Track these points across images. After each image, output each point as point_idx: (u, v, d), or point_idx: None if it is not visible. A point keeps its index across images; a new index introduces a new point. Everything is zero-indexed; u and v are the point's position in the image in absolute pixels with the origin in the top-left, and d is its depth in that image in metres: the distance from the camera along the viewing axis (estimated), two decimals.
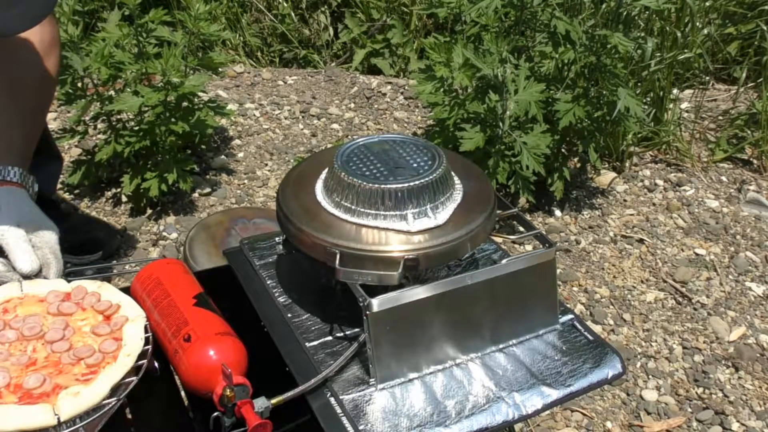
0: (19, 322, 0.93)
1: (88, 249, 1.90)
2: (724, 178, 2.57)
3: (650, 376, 1.79)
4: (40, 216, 1.13)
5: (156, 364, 0.94)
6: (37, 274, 1.04)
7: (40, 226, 1.09)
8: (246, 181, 2.40)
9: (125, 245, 2.03)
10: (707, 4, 2.85)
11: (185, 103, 2.13)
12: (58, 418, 0.80)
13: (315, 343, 0.97)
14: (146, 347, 0.92)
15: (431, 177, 0.94)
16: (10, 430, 0.79)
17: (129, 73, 2.09)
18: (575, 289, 2.05)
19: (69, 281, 1.03)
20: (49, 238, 1.09)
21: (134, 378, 0.88)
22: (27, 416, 0.80)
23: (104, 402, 0.84)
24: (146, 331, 0.94)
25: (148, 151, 2.14)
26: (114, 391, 0.86)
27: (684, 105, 2.89)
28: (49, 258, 1.07)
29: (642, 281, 2.09)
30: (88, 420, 0.82)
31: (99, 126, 2.19)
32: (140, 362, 0.90)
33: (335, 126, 2.77)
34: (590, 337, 1.02)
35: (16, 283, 1.00)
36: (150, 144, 2.09)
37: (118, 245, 2.02)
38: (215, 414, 0.89)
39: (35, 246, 1.06)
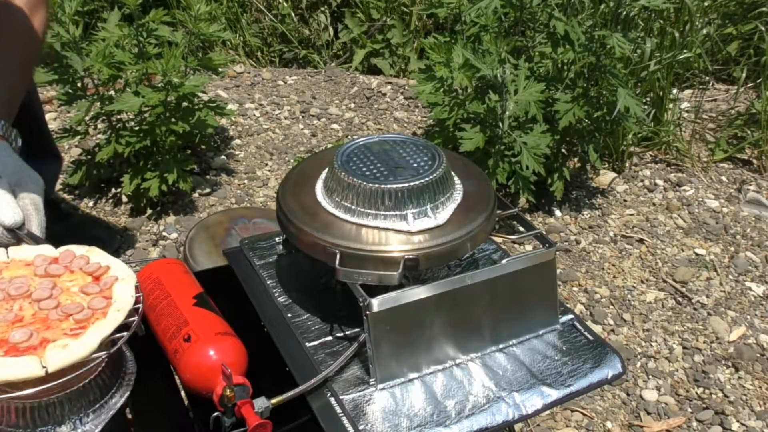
0: (5, 283, 0.91)
1: None
2: (724, 178, 2.57)
3: (650, 376, 1.79)
4: (23, 167, 1.09)
5: (141, 326, 0.92)
6: (20, 228, 1.01)
7: (22, 178, 1.05)
8: (246, 181, 2.40)
9: (125, 245, 2.03)
10: (706, 4, 2.85)
11: (185, 103, 2.14)
12: (46, 370, 0.78)
13: (315, 343, 0.97)
14: (137, 305, 0.89)
15: (431, 177, 0.94)
16: None
17: (129, 73, 2.09)
18: (575, 289, 2.05)
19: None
20: (33, 188, 1.05)
21: (125, 333, 0.85)
22: (12, 367, 0.77)
23: (93, 356, 0.81)
24: (137, 291, 0.91)
25: (148, 151, 2.14)
26: (103, 346, 0.83)
27: (684, 105, 2.89)
28: (30, 211, 1.03)
29: (642, 281, 2.09)
30: (77, 373, 0.80)
31: (99, 126, 2.19)
32: (131, 319, 0.87)
33: (335, 126, 2.77)
34: (590, 337, 1.02)
35: (1, 249, 0.97)
36: (150, 144, 2.09)
37: (118, 245, 2.02)
38: (215, 414, 0.89)
39: (17, 197, 1.02)
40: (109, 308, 0.87)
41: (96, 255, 0.97)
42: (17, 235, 1.01)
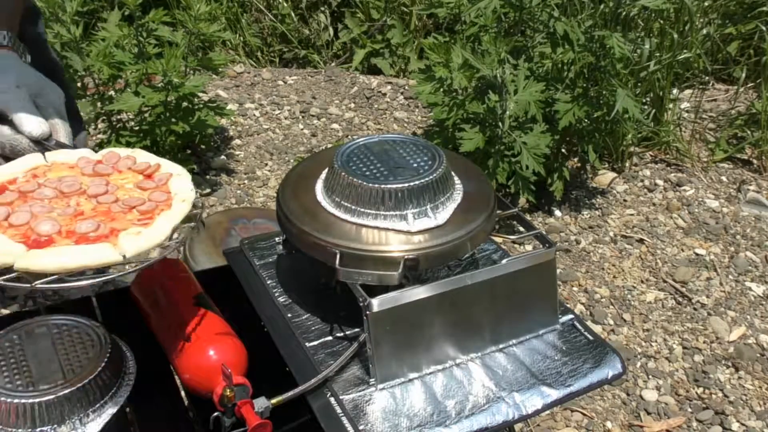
0: (54, 182, 0.86)
1: None
2: (724, 178, 2.57)
3: (650, 376, 1.79)
4: (41, 78, 1.03)
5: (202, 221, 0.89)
6: (47, 139, 0.96)
7: (43, 88, 1.00)
8: (246, 181, 2.40)
9: None
10: (706, 4, 2.85)
11: (185, 104, 2.14)
12: (124, 256, 0.75)
13: (315, 343, 0.97)
14: (198, 198, 0.86)
15: (431, 177, 0.94)
16: (73, 267, 0.73)
17: (129, 73, 2.09)
18: (575, 289, 2.05)
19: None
20: (54, 99, 1.00)
21: (193, 223, 0.82)
22: (90, 253, 0.74)
23: (165, 243, 0.78)
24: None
25: (148, 151, 2.14)
26: (173, 235, 0.79)
27: (684, 105, 2.89)
28: (56, 121, 0.98)
29: (642, 281, 2.09)
30: (150, 262, 0.78)
31: (99, 126, 2.19)
32: (195, 211, 0.84)
33: (335, 126, 2.77)
34: (590, 337, 1.02)
35: (37, 154, 0.91)
36: (150, 144, 2.09)
37: None
38: (215, 414, 0.89)
39: (40, 108, 0.97)
40: (173, 200, 0.84)
41: (142, 155, 0.93)
42: (45, 146, 0.96)
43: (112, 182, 0.89)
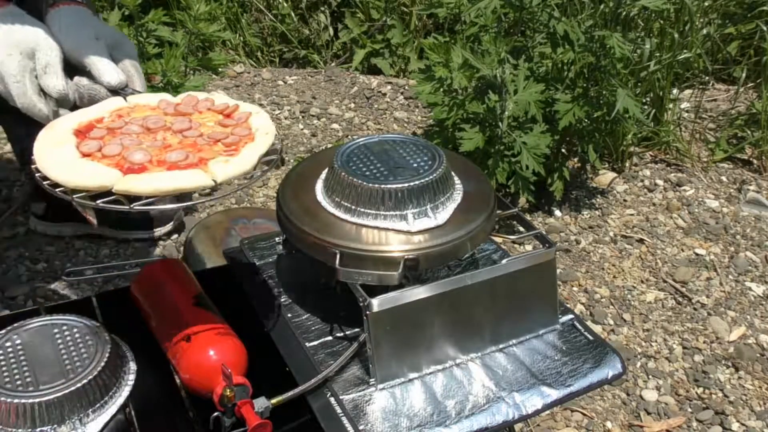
0: (139, 120, 0.90)
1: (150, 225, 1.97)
2: (724, 178, 2.58)
3: (650, 376, 1.79)
4: (115, 30, 1.09)
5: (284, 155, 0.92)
6: (124, 89, 1.01)
7: (118, 41, 1.05)
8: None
9: (125, 245, 2.02)
10: (706, 4, 2.85)
11: None
12: (215, 181, 0.79)
13: (315, 343, 0.97)
14: (278, 134, 0.90)
15: (431, 177, 0.94)
16: (168, 190, 0.78)
17: None
18: (575, 289, 2.05)
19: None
20: (129, 51, 1.05)
21: (276, 156, 0.86)
22: (184, 178, 0.79)
23: (251, 173, 0.83)
24: None
25: None
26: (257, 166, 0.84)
27: (684, 105, 2.89)
28: (131, 71, 1.03)
29: (642, 281, 2.09)
30: (237, 190, 0.81)
31: None
32: (276, 145, 0.88)
33: (335, 126, 2.77)
34: (590, 337, 1.02)
35: (119, 98, 0.97)
36: None
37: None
38: (215, 414, 0.89)
39: (116, 60, 1.02)
40: (256, 133, 0.88)
41: (220, 98, 0.97)
42: (122, 96, 1.01)
43: (195, 120, 0.93)
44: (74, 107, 0.99)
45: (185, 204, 0.78)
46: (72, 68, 1.00)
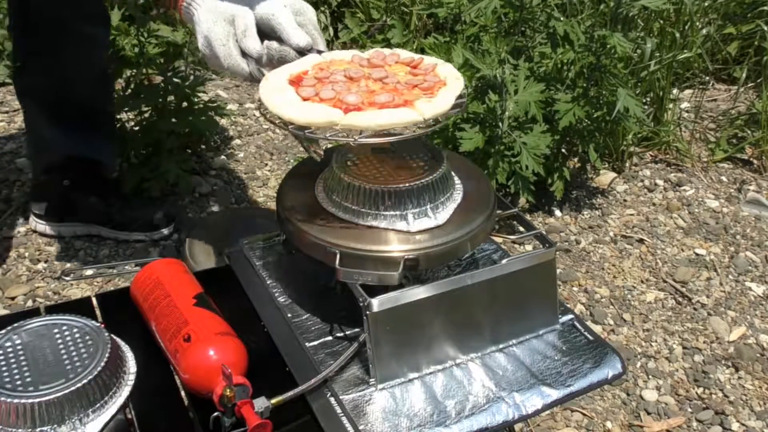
0: (340, 71, 1.00)
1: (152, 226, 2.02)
2: (724, 178, 2.58)
3: (650, 376, 1.79)
4: None
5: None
6: (310, 50, 1.09)
7: (301, 7, 1.14)
8: (246, 181, 2.40)
9: (124, 245, 2.02)
10: (706, 4, 2.85)
11: (185, 104, 2.14)
12: (423, 116, 0.89)
13: (315, 343, 0.97)
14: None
15: (431, 177, 0.94)
16: (386, 124, 0.87)
17: (130, 73, 2.09)
18: (575, 289, 2.05)
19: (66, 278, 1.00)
20: (311, 16, 1.14)
21: (464, 99, 0.95)
22: (396, 114, 0.88)
23: (450, 111, 0.92)
24: None
25: (148, 152, 2.14)
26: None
27: (684, 105, 2.89)
28: (315, 34, 1.12)
29: (642, 281, 2.09)
30: (436, 126, 0.91)
31: None
32: (463, 91, 0.96)
33: None
34: (590, 337, 1.02)
35: (315, 54, 1.07)
36: (150, 144, 2.09)
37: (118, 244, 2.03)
38: (215, 414, 0.89)
39: (300, 24, 1.11)
40: (446, 79, 0.97)
41: (404, 53, 1.06)
42: (307, 55, 1.09)
43: (388, 71, 1.01)
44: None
45: (396, 138, 0.90)
46: (260, 34, 1.10)
